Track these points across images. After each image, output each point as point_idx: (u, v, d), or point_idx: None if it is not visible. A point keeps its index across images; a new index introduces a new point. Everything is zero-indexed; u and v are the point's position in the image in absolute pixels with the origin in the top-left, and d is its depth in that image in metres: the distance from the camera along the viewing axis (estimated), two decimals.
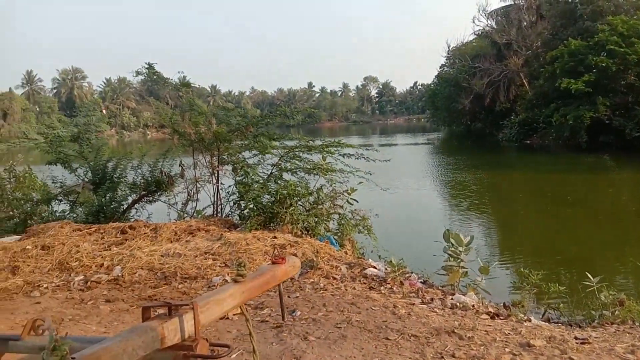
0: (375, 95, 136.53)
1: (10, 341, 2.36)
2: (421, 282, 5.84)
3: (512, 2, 42.99)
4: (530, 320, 4.37)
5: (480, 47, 45.69)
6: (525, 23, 41.64)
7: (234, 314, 4.25)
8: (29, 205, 9.35)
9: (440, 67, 55.15)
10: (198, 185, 9.33)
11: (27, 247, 6.28)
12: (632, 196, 15.91)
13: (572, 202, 15.12)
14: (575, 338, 3.58)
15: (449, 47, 52.79)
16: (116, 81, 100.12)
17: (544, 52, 34.60)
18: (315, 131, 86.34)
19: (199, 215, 8.97)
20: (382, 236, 8.42)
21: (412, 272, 6.22)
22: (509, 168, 24.69)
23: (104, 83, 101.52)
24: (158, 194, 9.25)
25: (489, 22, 45.76)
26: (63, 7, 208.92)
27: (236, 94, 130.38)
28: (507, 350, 3.30)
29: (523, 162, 26.86)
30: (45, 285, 5.33)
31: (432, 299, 4.84)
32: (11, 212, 9.78)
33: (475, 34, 48.77)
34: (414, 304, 4.58)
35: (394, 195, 16.43)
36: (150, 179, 9.07)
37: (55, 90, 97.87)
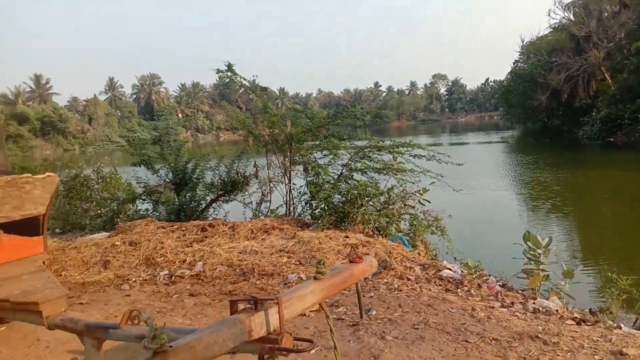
0: (445, 92, 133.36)
1: (110, 329, 2.56)
2: (499, 285, 5.64)
3: None
4: (620, 328, 4.10)
5: (557, 40, 43.26)
6: (606, 14, 38.99)
7: (310, 311, 4.33)
8: (115, 204, 10.01)
9: (514, 63, 52.96)
10: (271, 185, 9.58)
11: (116, 243, 6.74)
12: None
13: None
14: None
15: (522, 42, 50.61)
16: (190, 86, 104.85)
17: (627, 43, 32.27)
18: (383, 131, 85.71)
19: (273, 215, 9.21)
20: (456, 238, 8.23)
21: (489, 275, 6.04)
22: (591, 167, 23.17)
23: (179, 88, 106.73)
24: (234, 193, 9.60)
25: (566, 14, 43.26)
26: (143, 20, 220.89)
27: (303, 95, 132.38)
28: (596, 357, 3.13)
29: (607, 161, 25.11)
30: (133, 279, 5.70)
31: (512, 303, 4.67)
32: (99, 211, 10.55)
33: (551, 28, 46.33)
34: (493, 307, 4.44)
35: (468, 196, 15.97)
36: (226, 179, 9.43)
37: (134, 96, 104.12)
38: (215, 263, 5.90)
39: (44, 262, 3.89)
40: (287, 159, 9.18)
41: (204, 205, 9.45)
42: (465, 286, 5.14)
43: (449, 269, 5.95)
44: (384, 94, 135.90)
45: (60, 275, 5.83)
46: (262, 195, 9.59)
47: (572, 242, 10.73)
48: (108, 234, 7.81)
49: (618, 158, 25.45)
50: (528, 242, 5.73)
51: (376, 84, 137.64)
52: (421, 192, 8.37)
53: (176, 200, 9.32)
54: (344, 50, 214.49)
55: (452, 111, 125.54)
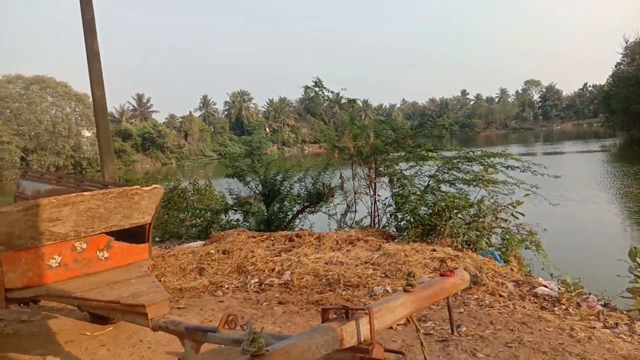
0: (538, 99, 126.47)
1: (209, 332, 2.72)
2: (601, 304, 5.24)
3: None
4: None
5: None
6: None
7: (397, 324, 4.30)
8: (209, 214, 10.60)
9: (616, 66, 49.03)
10: (356, 196, 9.65)
11: (210, 251, 7.13)
12: None
13: None
14: None
15: (626, 42, 46.79)
16: (277, 101, 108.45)
17: None
18: (470, 140, 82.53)
19: (358, 226, 9.25)
20: (552, 253, 7.74)
21: (589, 294, 5.62)
22: None
23: (267, 103, 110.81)
24: (319, 204, 9.79)
25: None
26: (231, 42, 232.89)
27: (387, 106, 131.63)
28: None
29: None
30: (226, 286, 5.99)
31: (616, 324, 4.31)
32: (194, 221, 11.22)
33: None
34: (594, 328, 4.13)
35: (566, 209, 14.94)
36: (312, 190, 9.64)
37: (226, 112, 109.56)
38: (302, 273, 6.04)
39: (148, 268, 4.21)
40: (371, 170, 9.21)
41: (290, 216, 9.72)
42: (563, 304, 4.83)
43: (545, 286, 5.62)
44: (471, 102, 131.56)
45: (160, 280, 6.25)
46: (347, 206, 9.68)
47: None
48: (203, 242, 8.27)
49: None
50: (636, 259, 5.28)
51: (463, 92, 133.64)
52: (514, 204, 7.98)
53: (265, 211, 9.69)
54: (425, 58, 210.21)
55: (546, 119, 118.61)
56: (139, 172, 41.80)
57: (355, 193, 9.57)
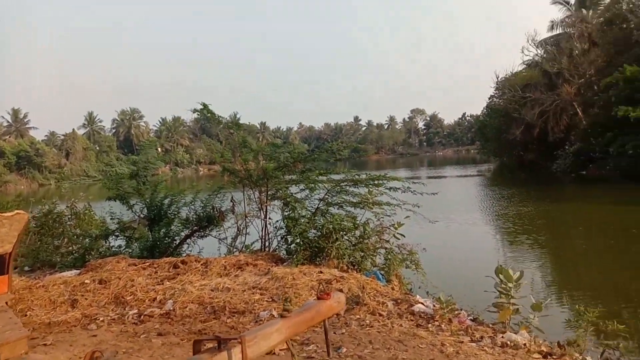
0: (423, 127, 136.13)
1: None
2: (471, 319, 5.67)
3: (562, 31, 42.19)
4: None
5: (530, 76, 44.82)
6: (577, 51, 40.61)
7: (280, 349, 4.28)
8: (87, 240, 9.83)
9: (489, 98, 54.39)
10: (247, 220, 9.56)
11: (85, 281, 6.60)
12: None
13: (637, 235, 14.32)
14: None
15: (497, 78, 52.24)
16: (171, 120, 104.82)
17: (597, 80, 33.50)
18: (362, 164, 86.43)
19: (248, 250, 9.15)
20: (430, 271, 8.25)
21: (461, 309, 6.06)
22: (566, 200, 23.66)
23: (160, 122, 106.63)
24: (209, 228, 9.54)
25: (539, 51, 45.02)
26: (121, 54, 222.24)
27: (284, 129, 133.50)
28: None
29: (580, 194, 25.70)
30: (101, 319, 5.56)
31: (481, 337, 4.69)
32: (71, 248, 10.34)
33: (524, 64, 48.14)
34: (462, 342, 4.46)
35: (444, 229, 16.13)
36: (202, 214, 9.38)
37: (114, 130, 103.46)
38: (186, 301, 5.80)
39: (7, 303, 3.80)
40: (262, 193, 9.20)
41: (178, 241, 9.35)
42: (437, 321, 5.15)
43: (422, 304, 5.97)
44: (363, 128, 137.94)
45: (26, 315, 5.67)
46: (238, 230, 9.55)
47: (547, 275, 10.87)
48: (78, 271, 7.65)
49: (591, 191, 26.07)
50: (500, 276, 5.79)
51: (356, 118, 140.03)
52: (396, 225, 8.43)
53: (150, 236, 9.21)
54: (323, 83, 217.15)
55: (430, 145, 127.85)
56: (11, 194, 37.82)
57: (246, 216, 9.49)
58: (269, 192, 9.20)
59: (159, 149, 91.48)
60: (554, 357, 4.14)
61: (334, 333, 4.79)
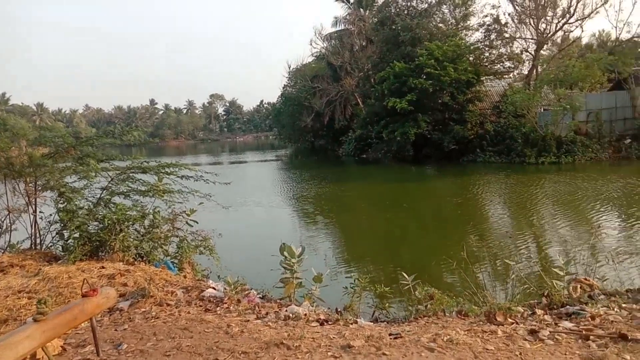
0: (223, 113, 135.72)
1: None
2: (260, 297, 5.89)
3: (344, 27, 46.38)
4: (356, 322, 4.67)
5: (318, 68, 48.41)
6: (356, 47, 45.20)
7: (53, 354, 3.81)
8: None
9: (284, 87, 57.02)
10: (12, 215, 8.22)
11: None
12: (453, 201, 18.09)
13: (407, 209, 16.76)
14: (390, 334, 3.92)
15: (289, 68, 55.02)
16: None
17: (373, 73, 37.83)
18: (160, 150, 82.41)
19: (14, 250, 7.90)
20: (227, 256, 8.32)
21: (251, 289, 6.25)
22: (350, 180, 26.35)
23: None
24: None
25: (325, 45, 48.77)
26: None
27: (67, 112, 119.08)
28: (329, 354, 3.48)
29: (361, 175, 28.89)
30: None
31: (267, 313, 4.90)
32: None
33: (313, 56, 51.71)
34: (248, 321, 4.58)
35: (242, 213, 16.46)
36: None
37: None
38: None
39: None
40: (30, 184, 8.02)
41: None
42: (225, 303, 5.20)
43: (213, 288, 5.96)
44: (160, 112, 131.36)
45: None
46: (0, 227, 8.16)
47: (334, 248, 11.94)
48: None
49: (369, 172, 29.52)
50: (284, 253, 6.12)
51: (152, 102, 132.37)
52: (188, 212, 8.22)
53: None
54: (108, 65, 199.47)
55: (230, 131, 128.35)
56: None
57: (9, 212, 8.15)
58: (37, 183, 8.06)
59: None
60: (330, 322, 4.55)
61: (116, 330, 4.46)
